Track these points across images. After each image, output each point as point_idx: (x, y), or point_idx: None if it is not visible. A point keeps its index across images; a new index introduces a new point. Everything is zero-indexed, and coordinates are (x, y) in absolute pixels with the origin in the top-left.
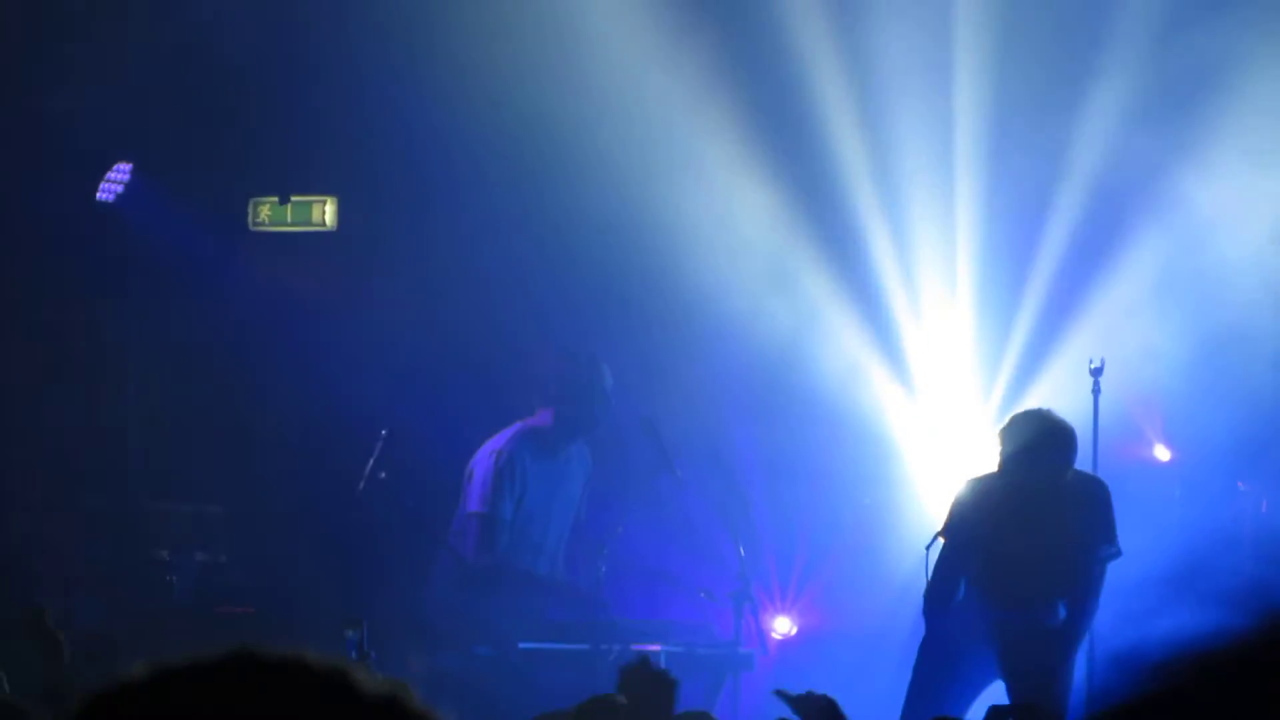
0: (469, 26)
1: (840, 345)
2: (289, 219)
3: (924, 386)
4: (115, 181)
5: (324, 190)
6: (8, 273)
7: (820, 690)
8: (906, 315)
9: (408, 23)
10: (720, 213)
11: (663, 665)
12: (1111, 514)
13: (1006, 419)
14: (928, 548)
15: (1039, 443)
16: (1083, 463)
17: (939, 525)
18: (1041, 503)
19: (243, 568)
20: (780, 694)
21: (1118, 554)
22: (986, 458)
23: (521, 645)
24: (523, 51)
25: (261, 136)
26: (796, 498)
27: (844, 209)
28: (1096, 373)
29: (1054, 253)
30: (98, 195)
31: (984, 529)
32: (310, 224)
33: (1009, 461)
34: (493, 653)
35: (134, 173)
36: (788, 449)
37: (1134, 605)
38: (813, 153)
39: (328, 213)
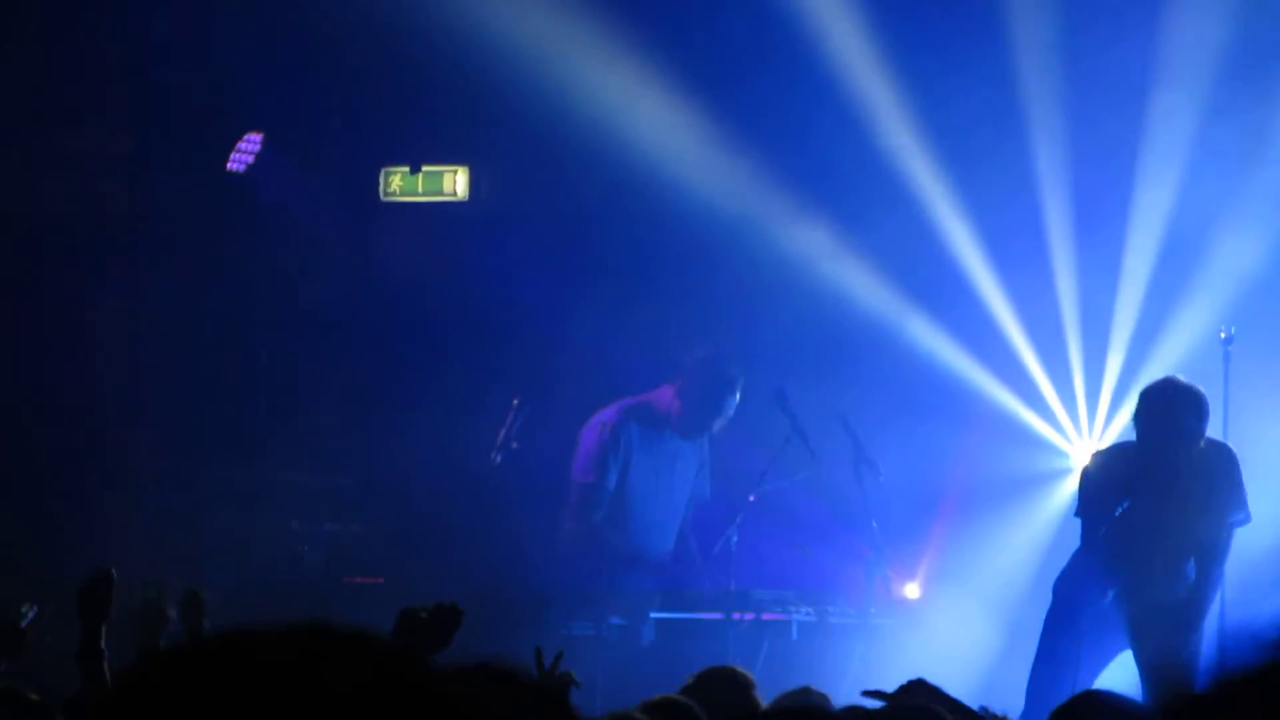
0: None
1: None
2: (420, 189)
3: (1054, 359)
4: (246, 152)
5: (455, 160)
6: (140, 245)
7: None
8: (1032, 288)
9: None
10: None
11: (794, 637)
12: (1241, 480)
13: (1142, 389)
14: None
15: (1172, 410)
16: (1213, 430)
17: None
18: (1174, 471)
19: (374, 539)
20: (872, 694)
21: (1247, 520)
22: (1116, 429)
23: (654, 615)
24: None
25: (392, 106)
26: (923, 468)
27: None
28: (1227, 341)
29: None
30: (228, 165)
31: (1118, 498)
32: (442, 194)
33: (1143, 430)
34: (625, 622)
35: (264, 143)
36: (917, 425)
37: (1261, 575)
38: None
39: (459, 182)
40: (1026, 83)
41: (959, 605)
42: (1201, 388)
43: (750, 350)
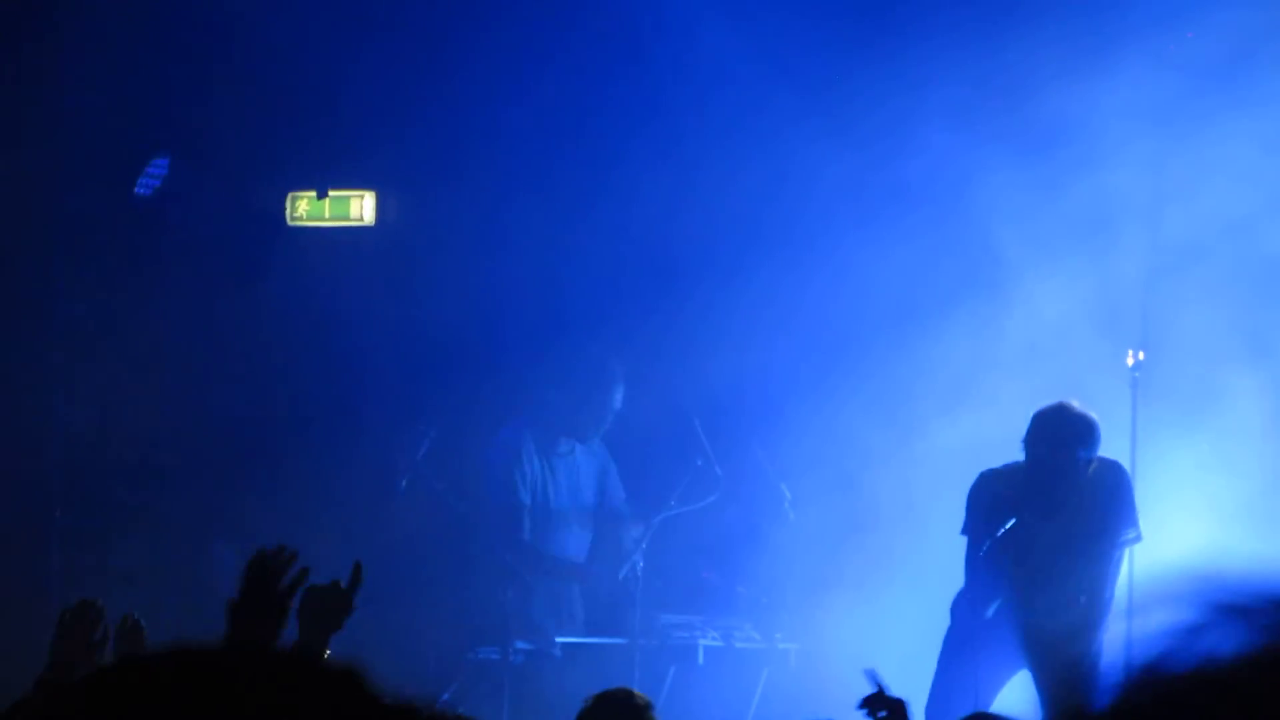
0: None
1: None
2: (327, 214)
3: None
4: (154, 176)
5: (362, 184)
6: (35, 267)
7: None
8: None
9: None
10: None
11: (700, 661)
12: (1130, 498)
13: (1035, 412)
14: (982, 553)
15: (1061, 437)
16: (1120, 454)
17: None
18: (1062, 493)
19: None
20: (871, 675)
21: (1138, 538)
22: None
23: (559, 639)
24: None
25: (300, 130)
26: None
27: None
28: (1135, 368)
29: None
30: (136, 189)
31: (1003, 518)
32: (349, 219)
33: (1031, 454)
34: (532, 647)
35: (171, 167)
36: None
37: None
38: None
39: (366, 207)
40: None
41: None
42: (1094, 414)
43: (669, 366)
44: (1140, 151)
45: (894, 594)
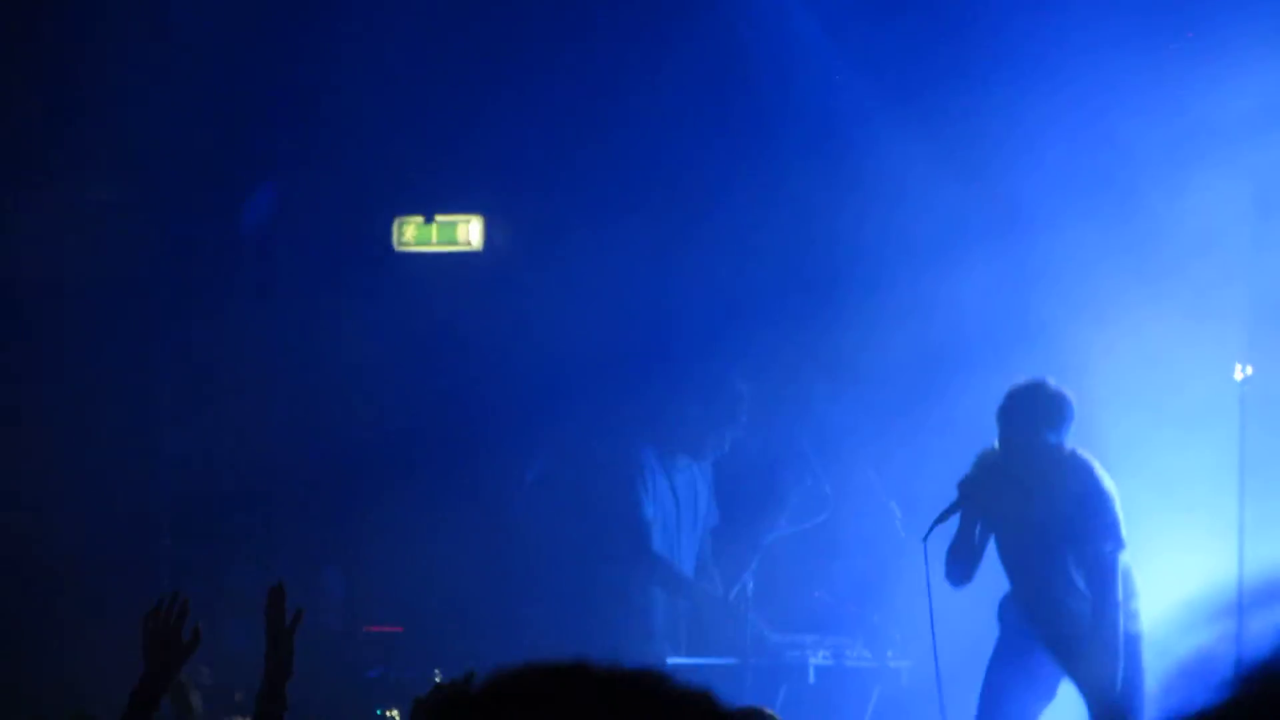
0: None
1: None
2: (434, 239)
3: None
4: (260, 204)
5: (469, 209)
6: (143, 296)
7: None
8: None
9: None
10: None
11: (811, 680)
12: (1109, 506)
13: (1009, 388)
14: (924, 539)
15: (1031, 414)
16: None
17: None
18: (1033, 478)
19: (390, 585)
20: None
21: (1119, 547)
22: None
23: (670, 660)
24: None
25: (407, 155)
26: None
27: None
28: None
29: None
30: (243, 218)
31: (985, 504)
32: (456, 244)
33: (1001, 430)
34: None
35: (278, 195)
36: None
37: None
38: None
39: (473, 232)
40: None
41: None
42: (1069, 394)
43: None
44: (1240, 162)
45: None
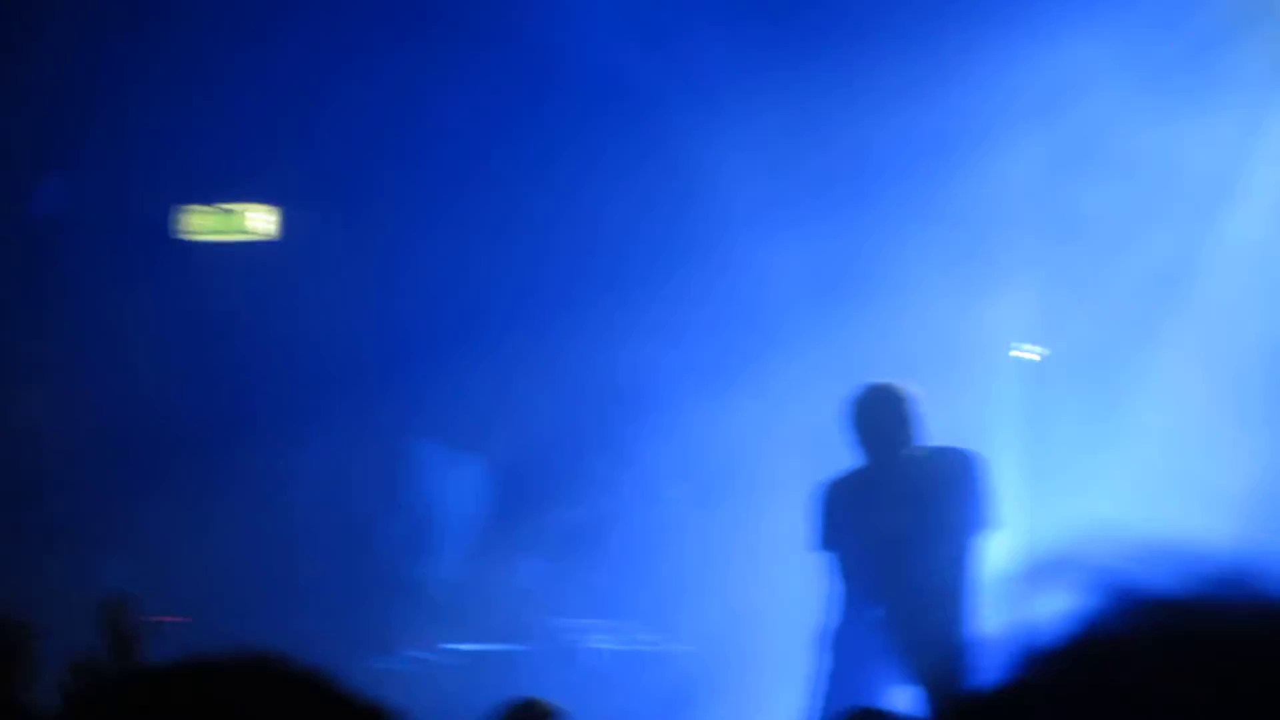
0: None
1: None
2: (221, 228)
3: None
4: (45, 195)
5: (258, 199)
6: None
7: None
8: None
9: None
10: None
11: (591, 665)
12: (980, 487)
13: (849, 398)
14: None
15: (881, 418)
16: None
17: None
18: (901, 485)
19: (174, 577)
20: None
21: (995, 527)
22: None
23: (451, 646)
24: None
25: (198, 145)
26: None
27: None
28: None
29: None
30: (32, 207)
31: (851, 527)
32: (244, 233)
33: (857, 443)
34: (424, 655)
35: (63, 185)
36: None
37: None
38: None
39: (261, 221)
40: None
41: (764, 628)
42: (910, 389)
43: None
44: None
45: (788, 593)
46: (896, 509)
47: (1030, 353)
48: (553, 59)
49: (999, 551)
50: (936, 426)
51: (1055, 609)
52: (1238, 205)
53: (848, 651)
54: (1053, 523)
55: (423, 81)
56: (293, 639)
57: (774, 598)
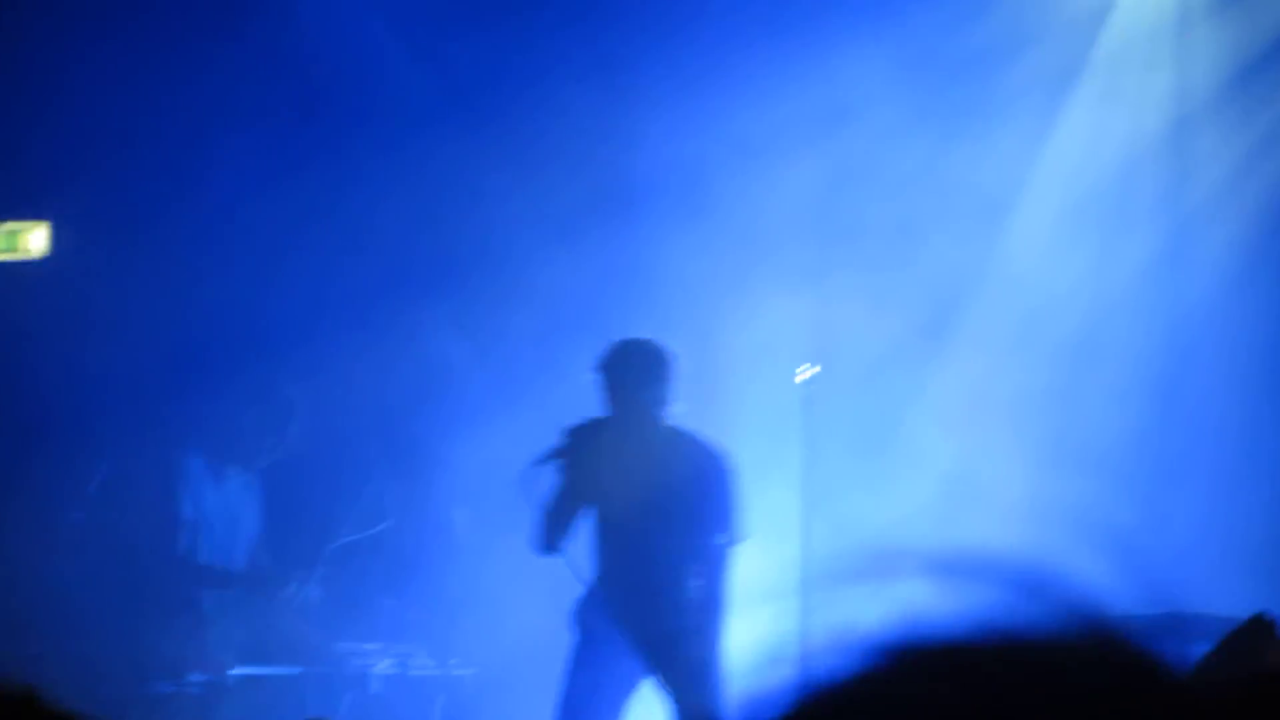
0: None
1: None
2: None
3: None
4: None
5: (32, 216)
6: None
7: None
8: None
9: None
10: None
11: (373, 690)
12: (726, 492)
13: (599, 356)
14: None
15: (629, 375)
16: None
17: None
18: (639, 445)
19: None
20: None
21: (734, 541)
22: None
23: (230, 671)
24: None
25: None
26: None
27: None
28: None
29: None
30: None
31: (580, 494)
32: (16, 251)
33: (604, 401)
34: (206, 678)
35: None
36: None
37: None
38: None
39: (35, 239)
40: None
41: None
42: (666, 347)
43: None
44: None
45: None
46: (639, 482)
47: (808, 369)
48: (324, 71)
49: (769, 567)
50: (712, 439)
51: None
52: (1017, 219)
53: (597, 656)
54: (829, 539)
55: (202, 97)
56: (74, 665)
57: (559, 622)
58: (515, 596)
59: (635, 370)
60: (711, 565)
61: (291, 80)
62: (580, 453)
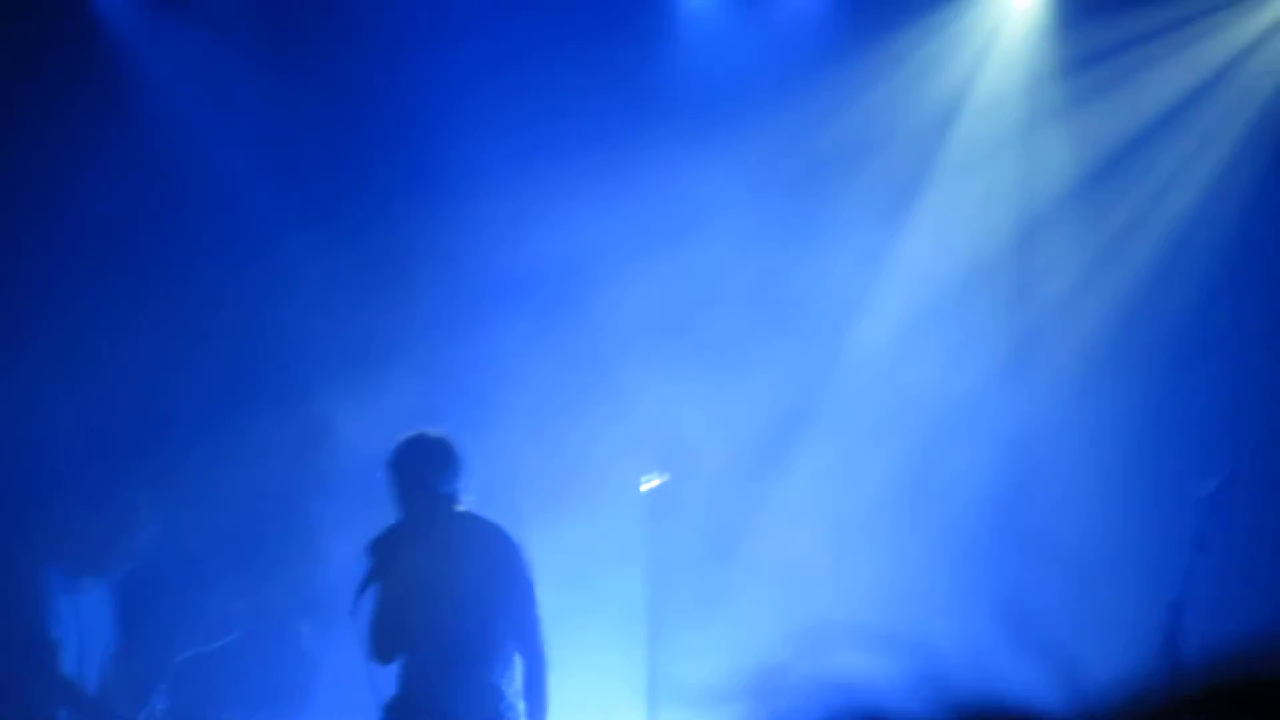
0: None
1: None
2: None
3: None
4: None
5: None
6: None
7: None
8: None
9: None
10: None
11: None
12: (525, 568)
13: (389, 450)
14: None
15: (423, 470)
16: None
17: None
18: (431, 538)
19: None
20: None
21: (533, 625)
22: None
23: None
24: None
25: None
26: None
27: None
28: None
29: None
30: None
31: (390, 593)
32: None
33: (395, 497)
34: None
35: None
36: None
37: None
38: None
39: None
40: None
41: None
42: (450, 438)
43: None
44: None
45: None
46: (441, 574)
47: (655, 478)
48: (175, 188)
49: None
50: (560, 555)
51: None
52: (863, 326)
53: None
54: (677, 652)
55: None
56: None
57: None
58: (361, 704)
59: (434, 464)
60: (534, 636)
61: (140, 197)
62: (385, 561)
